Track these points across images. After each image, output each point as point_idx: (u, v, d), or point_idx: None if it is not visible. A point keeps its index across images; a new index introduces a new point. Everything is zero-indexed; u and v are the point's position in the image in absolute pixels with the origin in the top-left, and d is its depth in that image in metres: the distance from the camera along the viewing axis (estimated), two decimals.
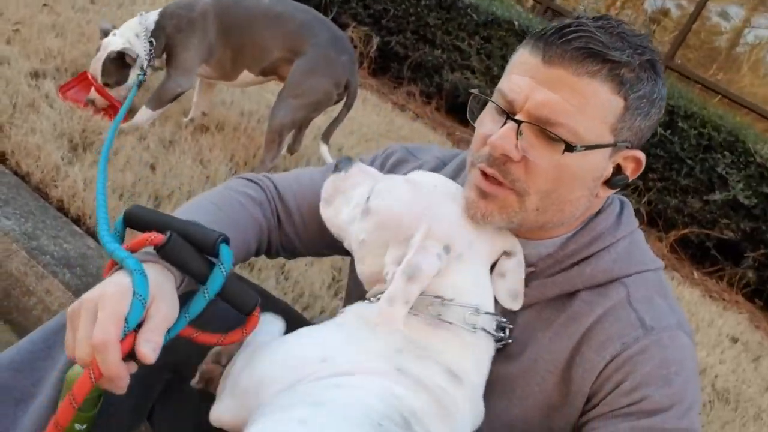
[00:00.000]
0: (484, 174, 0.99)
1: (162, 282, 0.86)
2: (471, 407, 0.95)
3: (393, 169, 1.25)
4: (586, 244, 1.05)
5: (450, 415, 0.90)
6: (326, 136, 2.91)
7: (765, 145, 4.73)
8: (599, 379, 0.99)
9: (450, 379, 0.92)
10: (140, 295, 0.80)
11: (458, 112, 5.53)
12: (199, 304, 0.89)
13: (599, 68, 0.92)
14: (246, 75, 2.88)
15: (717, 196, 4.78)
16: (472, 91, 1.08)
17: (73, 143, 2.44)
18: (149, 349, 0.80)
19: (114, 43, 2.74)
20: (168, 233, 0.87)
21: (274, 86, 3.21)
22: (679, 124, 4.88)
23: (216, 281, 0.89)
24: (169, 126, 2.91)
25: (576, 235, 1.06)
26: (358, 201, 1.07)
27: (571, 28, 0.94)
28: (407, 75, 5.68)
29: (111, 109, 2.84)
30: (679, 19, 8.68)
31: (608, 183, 1.02)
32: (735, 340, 3.84)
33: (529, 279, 1.05)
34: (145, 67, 2.78)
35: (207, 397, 1.11)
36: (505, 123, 0.96)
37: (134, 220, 0.92)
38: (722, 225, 4.86)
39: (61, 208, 2.11)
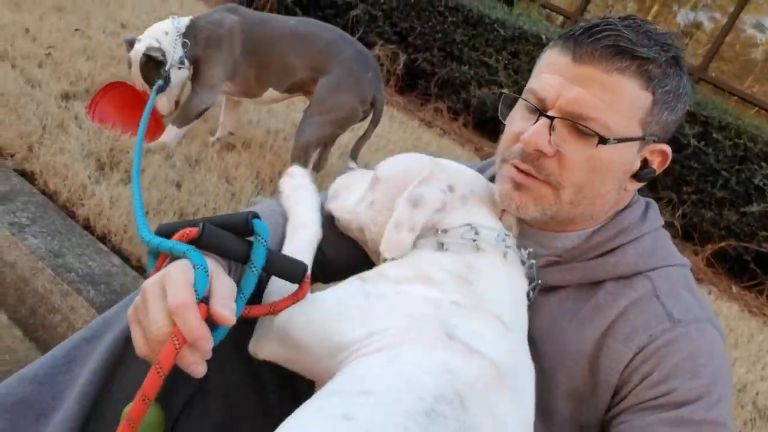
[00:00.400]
0: (518, 168, 1.01)
1: (214, 266, 0.86)
2: (525, 359, 0.93)
3: None
4: (612, 237, 1.06)
5: (503, 377, 0.87)
6: (354, 153, 2.91)
7: None
8: (626, 371, 0.98)
9: (501, 329, 0.90)
10: (201, 266, 0.80)
11: (486, 127, 5.51)
12: (250, 281, 0.88)
13: (628, 65, 0.95)
14: (271, 93, 2.90)
15: (755, 207, 4.65)
16: (503, 91, 1.11)
17: (101, 162, 2.48)
18: (228, 311, 0.79)
19: (138, 50, 2.76)
20: (201, 224, 0.87)
21: (300, 105, 3.23)
22: (714, 135, 4.78)
23: (259, 254, 0.88)
24: (195, 145, 2.94)
25: (602, 229, 1.07)
26: (364, 187, 1.11)
27: (599, 27, 0.97)
28: (434, 92, 5.67)
29: (157, 127, 2.91)
30: (713, 32, 8.56)
31: (636, 176, 1.04)
32: None
33: (552, 266, 1.07)
34: (175, 63, 2.74)
35: (228, 412, 1.10)
36: (537, 120, 0.99)
37: (164, 236, 0.91)
38: (761, 237, 4.73)
39: (87, 227, 2.13)
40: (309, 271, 0.95)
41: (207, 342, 0.77)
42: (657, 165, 1.05)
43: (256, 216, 0.91)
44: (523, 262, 1.02)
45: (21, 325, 1.82)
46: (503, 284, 0.96)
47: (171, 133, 2.83)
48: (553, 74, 0.99)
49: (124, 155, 2.57)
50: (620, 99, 0.95)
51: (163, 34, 2.77)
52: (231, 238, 0.89)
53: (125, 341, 0.99)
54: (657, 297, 1.01)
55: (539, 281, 1.04)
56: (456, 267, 0.95)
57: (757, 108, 6.33)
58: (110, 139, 2.63)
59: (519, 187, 1.01)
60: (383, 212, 1.04)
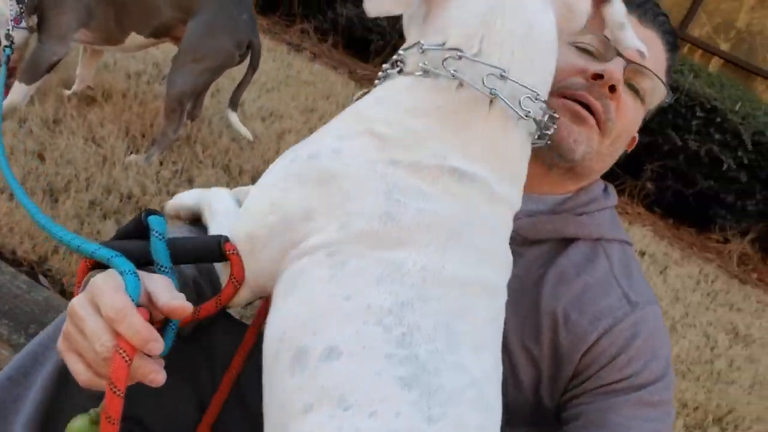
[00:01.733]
0: (581, 102, 0.97)
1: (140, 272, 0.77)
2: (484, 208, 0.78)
3: None
4: (583, 203, 1.07)
5: (453, 234, 0.75)
6: (233, 103, 2.69)
7: None
8: (591, 352, 0.98)
9: (455, 184, 0.76)
10: (128, 270, 0.71)
11: (355, 47, 5.34)
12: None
13: (672, 47, 1.05)
14: (134, 38, 2.61)
15: None
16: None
17: None
18: (179, 301, 0.72)
19: None
20: (95, 243, 0.76)
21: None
22: None
23: (158, 249, 0.78)
24: (50, 102, 2.63)
25: (573, 196, 1.08)
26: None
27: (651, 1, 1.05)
28: (299, 11, 5.40)
29: None
30: None
31: None
32: (642, 254, 4.03)
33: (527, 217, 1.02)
34: (11, 32, 2.39)
35: None
36: (612, 59, 0.98)
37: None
38: None
39: None
40: (230, 241, 0.82)
41: (157, 343, 0.69)
42: (628, 147, 1.10)
43: (150, 212, 0.81)
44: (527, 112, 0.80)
45: None
46: (480, 140, 0.77)
47: (19, 91, 2.49)
48: None
49: None
50: (662, 71, 1.03)
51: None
52: (129, 243, 0.79)
53: (59, 375, 0.89)
54: (615, 278, 1.02)
55: (551, 131, 0.86)
56: (414, 115, 0.77)
57: None
58: None
59: (582, 122, 0.97)
60: None
